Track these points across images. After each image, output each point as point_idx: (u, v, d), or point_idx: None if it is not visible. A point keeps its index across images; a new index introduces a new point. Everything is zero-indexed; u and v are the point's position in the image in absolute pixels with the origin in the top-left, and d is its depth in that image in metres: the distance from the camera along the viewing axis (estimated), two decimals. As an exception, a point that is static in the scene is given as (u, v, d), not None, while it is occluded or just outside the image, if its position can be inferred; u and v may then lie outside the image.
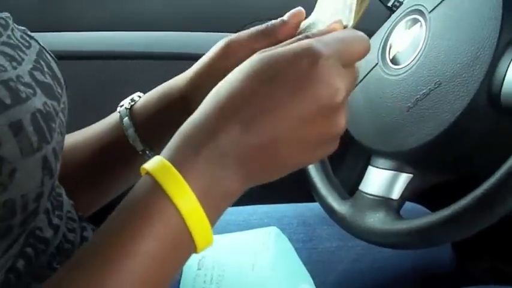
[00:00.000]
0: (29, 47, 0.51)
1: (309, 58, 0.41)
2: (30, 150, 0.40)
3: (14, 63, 0.45)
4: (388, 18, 1.16)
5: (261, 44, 0.53)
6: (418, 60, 0.69)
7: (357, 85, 0.77)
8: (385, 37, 0.77)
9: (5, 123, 0.38)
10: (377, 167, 0.72)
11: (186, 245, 0.40)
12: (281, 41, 0.48)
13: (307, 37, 0.46)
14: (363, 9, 0.50)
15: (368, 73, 0.76)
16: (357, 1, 0.49)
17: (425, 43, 0.69)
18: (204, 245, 0.40)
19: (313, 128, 0.42)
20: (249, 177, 0.42)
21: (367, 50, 0.46)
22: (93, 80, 1.19)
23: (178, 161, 0.40)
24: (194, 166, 0.39)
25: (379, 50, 0.76)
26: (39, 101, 0.43)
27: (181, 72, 0.62)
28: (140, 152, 0.61)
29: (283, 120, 0.41)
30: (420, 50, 0.69)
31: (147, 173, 0.40)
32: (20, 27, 0.53)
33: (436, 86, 0.65)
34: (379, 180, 0.71)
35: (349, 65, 0.45)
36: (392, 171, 0.70)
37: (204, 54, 0.58)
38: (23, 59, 0.47)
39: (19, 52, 0.48)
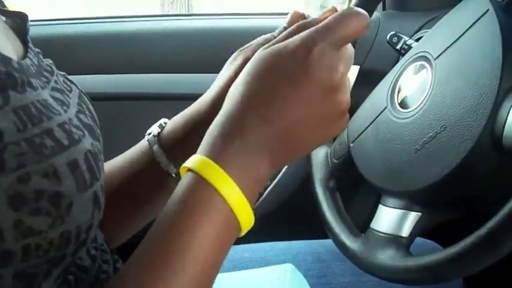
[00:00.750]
0: (70, 91, 0.55)
1: (304, 48, 0.46)
2: (84, 187, 0.44)
3: (65, 107, 0.50)
4: (397, 59, 1.20)
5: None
6: (425, 105, 0.72)
7: (367, 127, 0.81)
8: (393, 81, 0.81)
9: (64, 163, 0.43)
10: (387, 206, 0.75)
11: (234, 227, 0.45)
12: None
13: (299, 28, 0.50)
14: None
15: (378, 116, 0.80)
16: None
17: (431, 88, 0.73)
18: (247, 225, 0.46)
19: (321, 108, 0.47)
20: (275, 162, 0.48)
21: (363, 25, 0.49)
22: (113, 120, 1.24)
23: (215, 157, 0.45)
24: (227, 159, 0.45)
25: (388, 93, 0.80)
26: (87, 142, 0.48)
27: None
28: (174, 175, 0.65)
29: (294, 107, 0.46)
30: (427, 94, 0.73)
31: (189, 171, 0.45)
32: (60, 72, 0.58)
33: (442, 129, 0.68)
34: (389, 218, 0.74)
35: (343, 45, 0.49)
36: (402, 210, 0.73)
37: None
38: (69, 103, 0.52)
39: (65, 96, 0.52)
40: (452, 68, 0.71)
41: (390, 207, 0.75)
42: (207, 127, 0.61)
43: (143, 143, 0.67)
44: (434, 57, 0.74)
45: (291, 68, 0.46)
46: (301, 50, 0.46)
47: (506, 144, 0.63)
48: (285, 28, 0.58)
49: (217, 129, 0.47)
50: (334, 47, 0.47)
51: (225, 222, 0.45)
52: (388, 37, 1.03)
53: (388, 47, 1.05)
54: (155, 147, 0.65)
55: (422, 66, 0.77)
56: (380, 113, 0.80)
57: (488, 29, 0.68)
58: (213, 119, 0.60)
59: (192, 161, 0.46)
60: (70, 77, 0.60)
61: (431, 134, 0.70)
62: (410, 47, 1.00)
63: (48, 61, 0.57)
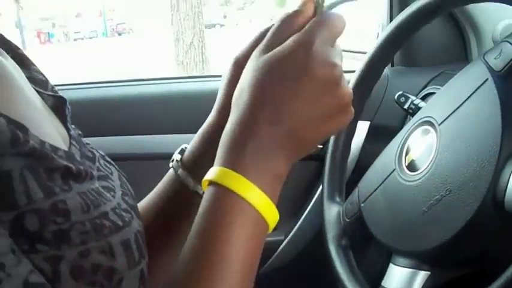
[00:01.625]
0: (112, 173, 0.59)
1: (302, 48, 0.49)
2: (134, 264, 0.48)
3: (112, 193, 0.54)
4: (405, 116, 1.25)
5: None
6: (431, 168, 0.76)
7: (377, 188, 0.84)
8: (401, 144, 0.85)
9: (119, 241, 0.47)
10: (397, 265, 0.79)
11: (262, 226, 0.48)
12: None
13: (285, 23, 0.52)
14: None
15: (387, 178, 0.84)
16: None
17: (436, 152, 0.77)
18: (273, 221, 0.49)
19: (326, 102, 0.49)
20: (290, 157, 0.50)
21: (344, 26, 0.52)
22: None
23: (232, 165, 0.48)
24: (244, 165, 0.48)
25: (396, 156, 0.84)
26: (136, 222, 0.52)
27: None
28: (202, 194, 0.67)
29: (300, 105, 0.49)
30: (432, 158, 0.77)
31: (210, 184, 0.48)
32: (100, 152, 0.63)
33: (447, 192, 0.72)
34: (399, 277, 0.77)
35: (334, 43, 0.51)
36: (411, 269, 0.76)
37: None
38: (114, 187, 0.56)
39: (110, 182, 0.57)
40: (455, 134, 0.76)
41: (400, 266, 0.78)
42: (219, 136, 0.64)
43: (169, 173, 0.69)
44: (439, 123, 0.79)
45: (292, 69, 0.49)
46: (300, 50, 0.49)
47: (508, 208, 0.67)
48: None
49: (228, 138, 0.50)
50: (330, 43, 0.50)
51: (254, 224, 0.48)
52: (396, 97, 1.08)
53: (397, 106, 1.10)
54: (180, 171, 0.67)
55: (428, 131, 0.81)
56: (389, 175, 0.84)
57: (488, 98, 0.73)
58: (222, 126, 0.62)
59: (211, 174, 0.49)
60: (89, 139, 0.64)
61: (437, 197, 0.73)
62: (417, 106, 1.05)
63: (90, 146, 0.61)
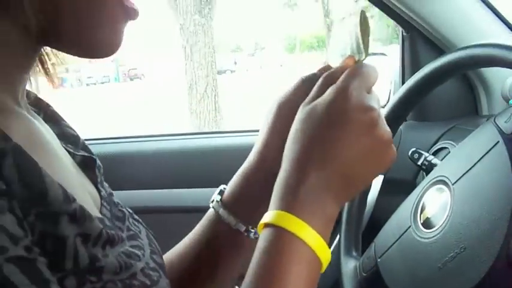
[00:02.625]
0: (140, 232, 0.63)
1: (341, 97, 0.54)
2: None
3: (142, 251, 0.57)
4: (418, 170, 1.28)
5: (300, 94, 0.63)
6: (445, 226, 0.80)
7: (393, 244, 0.88)
8: (416, 202, 0.89)
9: None
10: (414, 320, 0.81)
11: (316, 264, 0.52)
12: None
13: (327, 78, 0.58)
14: (368, 41, 0.60)
15: (403, 234, 0.87)
16: (362, 37, 0.60)
17: (451, 210, 0.80)
18: (326, 261, 0.53)
19: (368, 144, 0.54)
20: (339, 198, 0.55)
21: (377, 75, 0.58)
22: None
23: (288, 208, 0.52)
24: (299, 208, 0.52)
25: (411, 213, 0.88)
26: (164, 282, 0.56)
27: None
28: (244, 232, 0.70)
29: (344, 150, 0.53)
30: (447, 216, 0.80)
31: (267, 226, 0.52)
32: (128, 209, 0.67)
33: (462, 250, 0.75)
34: (417, 331, 0.80)
35: (369, 89, 0.57)
36: (428, 324, 0.79)
37: None
38: (143, 245, 0.60)
39: (139, 240, 0.60)
40: (468, 193, 0.79)
41: (416, 320, 0.81)
42: (260, 176, 0.68)
43: (208, 213, 0.73)
44: (453, 182, 0.82)
45: (334, 117, 0.54)
46: (339, 99, 0.54)
47: (521, 266, 0.70)
48: (314, 74, 0.66)
49: (282, 184, 0.54)
50: (365, 90, 0.55)
51: (309, 263, 0.51)
52: (409, 154, 1.12)
53: (411, 162, 1.14)
54: (221, 210, 0.70)
55: (442, 190, 0.84)
56: (405, 231, 0.87)
57: (499, 159, 0.77)
58: (263, 166, 0.67)
59: (268, 217, 0.53)
60: (117, 192, 0.68)
61: (452, 254, 0.77)
62: (430, 163, 1.09)
63: (120, 206, 0.65)
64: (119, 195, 0.66)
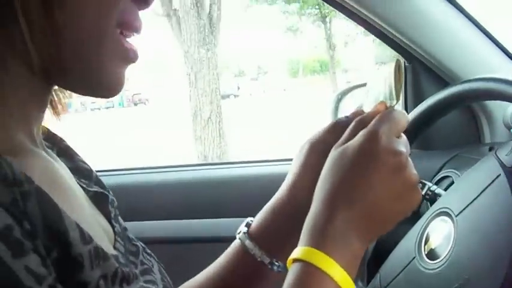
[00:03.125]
0: (153, 266, 0.65)
1: (371, 141, 0.56)
2: None
3: (155, 286, 0.59)
4: (422, 202, 1.29)
5: (333, 136, 0.65)
6: (449, 257, 0.81)
7: (398, 274, 0.89)
8: (420, 233, 0.90)
9: None
10: None
11: None
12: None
13: (359, 122, 0.60)
14: (400, 88, 0.63)
15: (408, 265, 0.89)
16: (395, 83, 0.63)
17: (454, 242, 0.82)
18: None
19: (395, 186, 0.56)
20: (365, 237, 0.56)
21: (407, 121, 0.61)
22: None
23: (317, 245, 0.54)
24: (327, 245, 0.54)
25: (416, 244, 0.89)
26: None
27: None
28: (268, 264, 0.71)
29: (372, 191, 0.55)
30: (451, 247, 0.82)
31: (296, 261, 0.54)
32: (141, 244, 0.68)
33: (465, 281, 0.77)
34: None
35: (398, 134, 0.59)
36: None
37: None
38: (156, 280, 0.61)
39: (152, 274, 0.62)
40: (471, 225, 0.81)
41: None
42: (288, 211, 0.70)
43: (234, 244, 0.74)
44: (456, 214, 0.84)
45: (364, 159, 0.56)
46: (369, 142, 0.56)
47: (524, 297, 0.71)
48: (346, 117, 0.68)
49: (312, 222, 0.56)
50: (394, 134, 0.58)
51: None
52: (413, 184, 1.14)
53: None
54: (247, 242, 0.72)
55: (446, 221, 0.86)
56: (409, 262, 0.88)
57: (501, 192, 0.78)
58: (292, 203, 0.70)
59: (297, 253, 0.55)
60: (127, 223, 0.70)
61: (456, 286, 0.78)
62: (434, 193, 1.10)
63: (135, 241, 0.67)
64: (127, 226, 0.68)
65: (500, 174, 0.80)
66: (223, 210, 1.47)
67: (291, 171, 0.72)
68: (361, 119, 0.62)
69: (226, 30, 5.76)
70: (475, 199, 0.82)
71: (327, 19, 20.03)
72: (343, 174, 0.57)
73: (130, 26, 0.55)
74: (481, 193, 0.82)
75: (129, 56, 0.56)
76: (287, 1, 18.96)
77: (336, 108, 1.73)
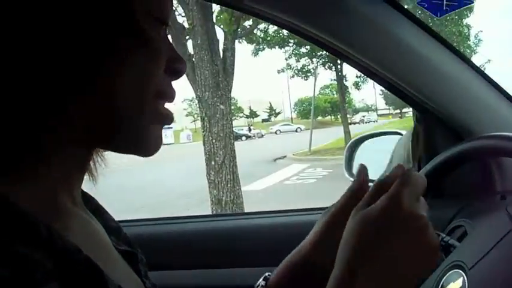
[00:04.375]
0: None
1: (394, 204, 0.59)
2: None
3: None
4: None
5: (352, 201, 0.69)
6: (463, 310, 0.84)
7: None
8: (434, 286, 0.92)
9: None
10: None
11: None
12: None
13: (378, 187, 0.63)
14: (418, 153, 0.65)
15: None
16: (412, 147, 0.65)
17: (468, 296, 0.84)
18: None
19: (416, 248, 0.58)
20: None
21: (425, 182, 0.63)
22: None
23: None
24: None
25: (430, 298, 0.92)
26: None
27: None
28: None
29: (393, 252, 0.58)
30: (464, 302, 0.84)
31: None
32: None
33: (479, 335, 0.79)
34: None
35: (418, 197, 0.61)
36: None
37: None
38: None
39: None
40: (483, 279, 0.83)
41: None
42: (306, 270, 0.73)
43: None
44: (469, 268, 0.87)
45: (386, 222, 0.58)
46: (392, 205, 0.59)
47: None
48: (360, 184, 0.73)
49: (334, 283, 0.58)
50: (415, 198, 0.60)
51: None
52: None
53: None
54: None
55: (460, 274, 0.88)
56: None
57: (511, 248, 0.81)
58: (310, 262, 0.73)
59: None
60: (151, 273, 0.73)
61: (470, 339, 0.80)
62: (448, 243, 1.13)
63: None
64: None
65: (510, 230, 0.83)
66: (239, 259, 1.51)
67: (314, 228, 0.76)
68: (380, 183, 0.64)
69: (238, 72, 5.84)
70: (486, 254, 0.85)
71: (338, 61, 20.24)
72: (365, 239, 0.59)
73: (166, 95, 0.61)
74: (492, 248, 0.84)
75: (166, 120, 0.61)
76: (298, 43, 19.20)
77: (350, 157, 1.77)
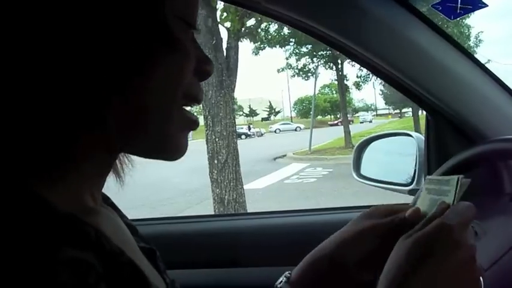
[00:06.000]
0: None
1: (445, 233, 0.59)
2: None
3: None
4: None
5: (385, 220, 0.70)
6: (480, 312, 0.84)
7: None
8: None
9: None
10: None
11: None
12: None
13: (430, 220, 0.62)
14: (462, 193, 0.66)
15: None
16: (457, 185, 0.66)
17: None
18: None
19: (464, 279, 0.59)
20: None
21: (474, 212, 0.63)
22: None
23: None
24: None
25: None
26: None
27: None
28: None
29: (443, 280, 0.57)
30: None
31: None
32: None
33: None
34: None
35: (468, 227, 0.62)
36: None
37: None
38: None
39: None
40: (499, 281, 0.84)
41: None
42: (330, 269, 0.73)
43: None
44: (485, 270, 0.88)
45: (437, 252, 0.58)
46: (442, 233, 0.59)
47: None
48: (405, 217, 0.70)
49: None
50: (465, 228, 0.61)
51: None
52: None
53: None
54: None
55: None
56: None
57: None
58: (332, 257, 0.72)
59: None
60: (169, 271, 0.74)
61: None
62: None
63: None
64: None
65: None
66: (243, 259, 1.52)
67: (344, 228, 0.75)
68: (430, 217, 0.64)
69: (240, 71, 5.82)
70: (501, 257, 0.86)
71: (339, 61, 20.25)
72: (412, 266, 0.59)
73: (194, 98, 0.62)
74: (508, 250, 0.85)
75: (192, 125, 0.62)
76: (299, 43, 19.20)
77: (358, 157, 1.78)
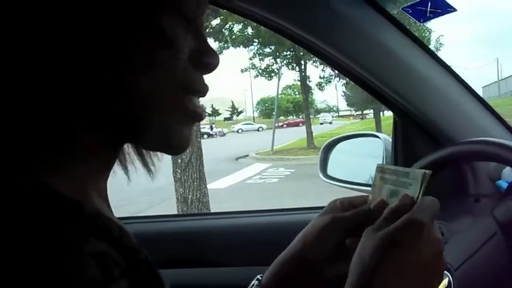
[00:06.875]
0: None
1: (415, 227, 0.60)
2: None
3: None
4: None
5: (348, 213, 0.71)
6: (450, 310, 0.86)
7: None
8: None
9: None
10: None
11: None
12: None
13: (393, 211, 0.64)
14: (425, 185, 0.66)
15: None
16: (419, 193, 0.65)
17: (454, 296, 0.87)
18: None
19: (431, 270, 0.61)
20: None
21: (439, 206, 0.65)
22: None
23: None
24: None
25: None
26: None
27: None
28: None
29: (411, 272, 0.59)
30: (451, 301, 0.87)
31: None
32: None
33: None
34: None
35: (434, 220, 0.63)
36: None
37: None
38: None
39: None
40: (469, 280, 0.86)
41: None
42: (300, 263, 0.73)
43: None
44: (455, 269, 0.89)
45: (407, 245, 0.60)
46: (413, 228, 0.60)
47: None
48: (370, 209, 0.71)
49: None
50: (432, 223, 0.62)
51: None
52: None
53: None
54: None
55: (445, 275, 0.91)
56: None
57: (497, 249, 0.84)
58: (301, 257, 0.73)
59: None
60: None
61: (457, 338, 0.82)
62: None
63: None
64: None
65: (496, 232, 0.85)
66: (235, 258, 1.51)
67: (311, 227, 0.76)
68: (393, 209, 0.65)
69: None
70: (472, 255, 0.87)
71: (302, 61, 20.38)
72: (385, 254, 0.60)
73: (194, 91, 0.60)
74: (478, 249, 0.87)
75: (195, 117, 0.60)
76: (262, 43, 19.25)
77: (325, 159, 1.79)
